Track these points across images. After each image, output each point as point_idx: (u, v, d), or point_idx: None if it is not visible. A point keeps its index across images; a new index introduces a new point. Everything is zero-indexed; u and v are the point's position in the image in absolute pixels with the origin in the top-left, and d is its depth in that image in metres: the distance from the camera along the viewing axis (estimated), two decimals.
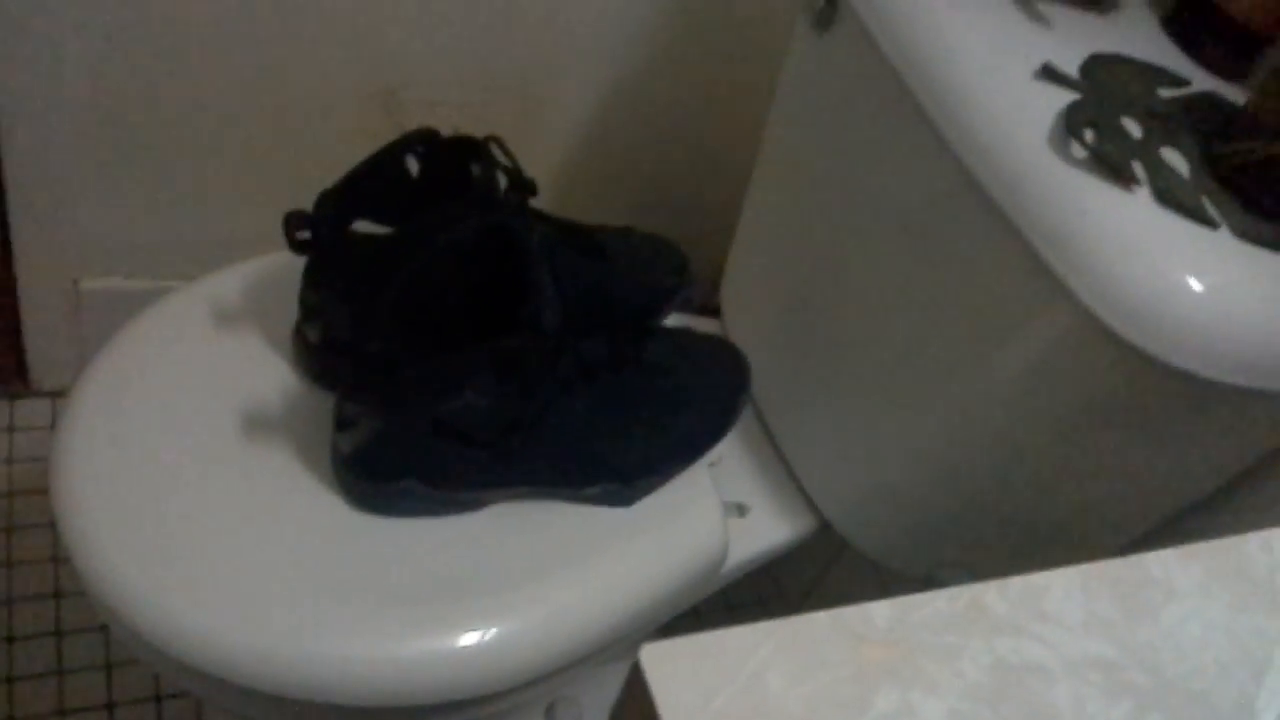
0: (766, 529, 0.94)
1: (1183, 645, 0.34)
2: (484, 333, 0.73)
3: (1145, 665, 0.33)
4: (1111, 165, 0.67)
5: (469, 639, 0.73)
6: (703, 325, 1.06)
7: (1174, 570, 0.37)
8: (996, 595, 0.33)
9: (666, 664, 0.28)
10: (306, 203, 0.86)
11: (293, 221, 0.74)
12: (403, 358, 0.72)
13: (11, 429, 1.22)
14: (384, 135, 1.15)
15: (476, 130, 1.17)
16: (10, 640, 1.07)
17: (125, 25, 0.99)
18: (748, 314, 1.02)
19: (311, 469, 0.78)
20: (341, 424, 0.75)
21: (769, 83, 0.98)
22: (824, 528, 0.96)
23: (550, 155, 1.25)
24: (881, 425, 0.86)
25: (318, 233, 0.75)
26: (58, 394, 1.25)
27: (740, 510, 0.94)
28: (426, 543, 0.77)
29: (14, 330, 1.19)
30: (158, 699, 1.07)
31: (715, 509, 0.86)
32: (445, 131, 0.80)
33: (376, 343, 0.75)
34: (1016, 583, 0.33)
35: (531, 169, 0.84)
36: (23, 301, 1.17)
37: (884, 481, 0.88)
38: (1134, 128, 0.71)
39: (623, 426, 0.82)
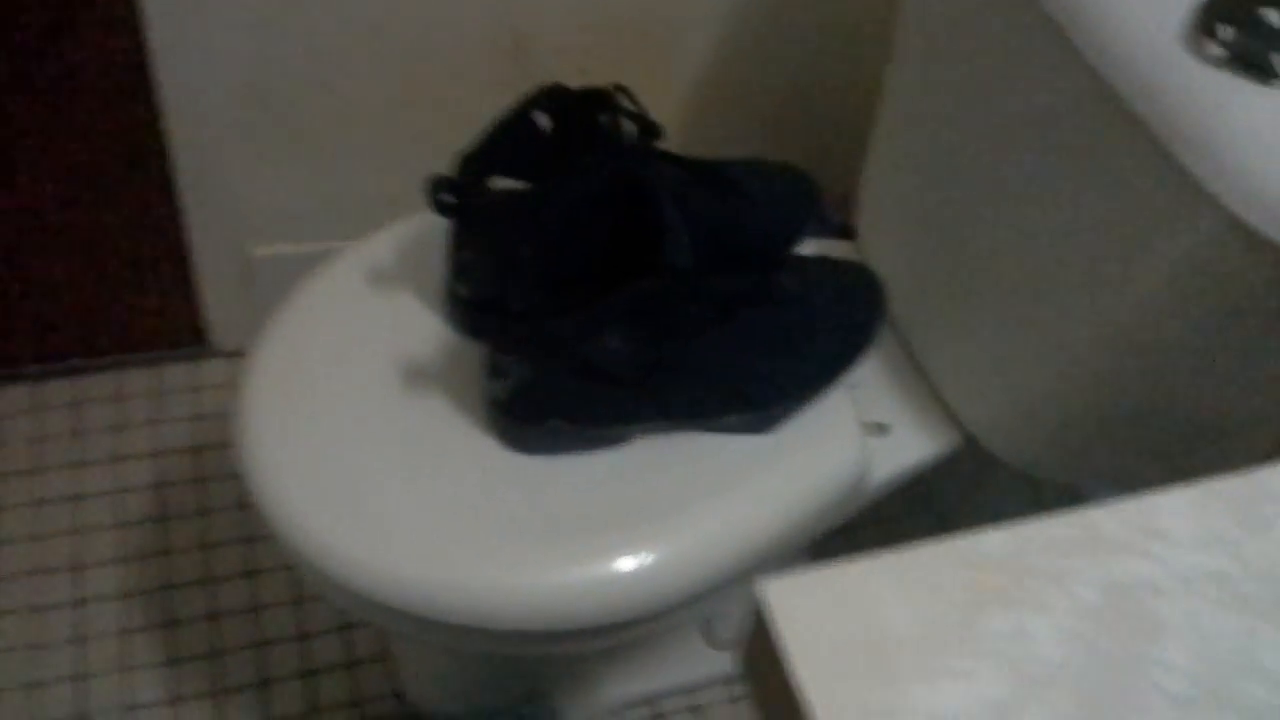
0: (910, 446, 0.96)
1: None
2: (623, 277, 0.76)
3: (1260, 577, 0.34)
4: (1250, 61, 0.66)
5: (623, 566, 0.78)
6: (839, 250, 1.07)
7: None
8: (1108, 516, 0.34)
9: (789, 597, 0.30)
10: (447, 157, 0.91)
11: (437, 185, 0.78)
12: (547, 308, 0.76)
13: (196, 389, 1.31)
14: (515, 84, 1.19)
15: (605, 73, 1.21)
16: (209, 581, 1.17)
17: (270, 11, 1.05)
18: (884, 234, 1.03)
19: (468, 415, 0.83)
20: (493, 373, 0.80)
21: (885, 12, 0.98)
22: (969, 442, 0.97)
23: (678, 93, 1.27)
24: (1023, 336, 0.86)
25: (460, 195, 0.79)
26: (235, 354, 1.33)
27: (882, 429, 0.95)
28: (578, 479, 0.81)
29: (192, 297, 1.28)
30: (344, 629, 1.15)
31: (853, 430, 0.88)
32: (573, 84, 0.83)
33: (522, 295, 0.79)
34: (1129, 503, 0.35)
35: (658, 109, 0.86)
36: (199, 271, 1.25)
37: (1027, 392, 0.88)
38: (1275, 17, 0.68)
39: (758, 356, 0.84)
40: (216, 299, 1.29)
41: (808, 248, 0.97)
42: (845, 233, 1.09)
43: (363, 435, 0.82)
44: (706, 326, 0.80)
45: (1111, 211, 0.74)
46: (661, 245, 0.74)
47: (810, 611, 0.31)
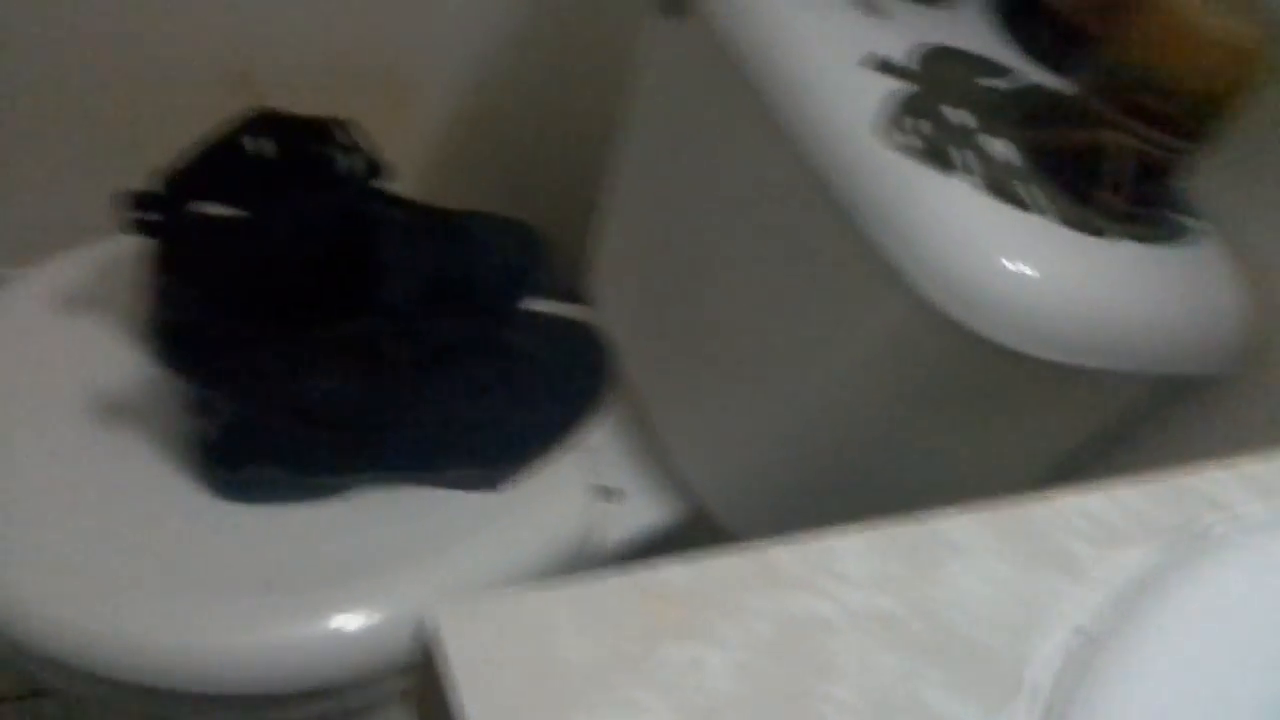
0: (643, 512, 0.96)
1: (966, 601, 0.37)
2: (337, 314, 0.73)
3: (927, 617, 0.35)
4: (933, 152, 0.70)
5: (328, 627, 0.74)
6: (569, 311, 1.07)
7: (963, 530, 0.39)
8: (788, 553, 0.35)
9: (461, 623, 0.29)
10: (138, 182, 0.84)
11: (138, 201, 0.73)
12: (255, 342, 0.72)
13: None
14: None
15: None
16: None
17: None
18: (616, 297, 1.04)
19: (169, 456, 0.78)
20: (199, 409, 0.75)
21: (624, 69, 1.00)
22: (701, 515, 0.98)
23: (410, 143, 1.25)
24: (743, 405, 0.88)
25: (169, 214, 0.75)
26: None
27: (615, 494, 0.95)
28: (291, 529, 0.77)
29: None
30: (22, 698, 1.04)
31: (581, 492, 0.87)
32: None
33: (229, 324, 0.74)
34: (808, 540, 0.35)
35: (391, 156, 0.84)
36: None
37: (747, 461, 0.90)
38: (962, 116, 0.74)
39: (486, 411, 0.82)
40: None
41: (536, 307, 0.96)
42: (573, 296, 1.10)
43: (49, 478, 0.75)
44: (424, 372, 0.78)
45: (813, 289, 0.77)
46: (377, 283, 0.72)
47: (483, 638, 0.29)
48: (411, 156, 1.25)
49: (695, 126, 0.87)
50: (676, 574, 0.33)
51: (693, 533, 1.00)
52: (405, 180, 1.23)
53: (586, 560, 0.90)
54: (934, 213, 0.68)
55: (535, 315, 0.92)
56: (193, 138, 1.10)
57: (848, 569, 0.35)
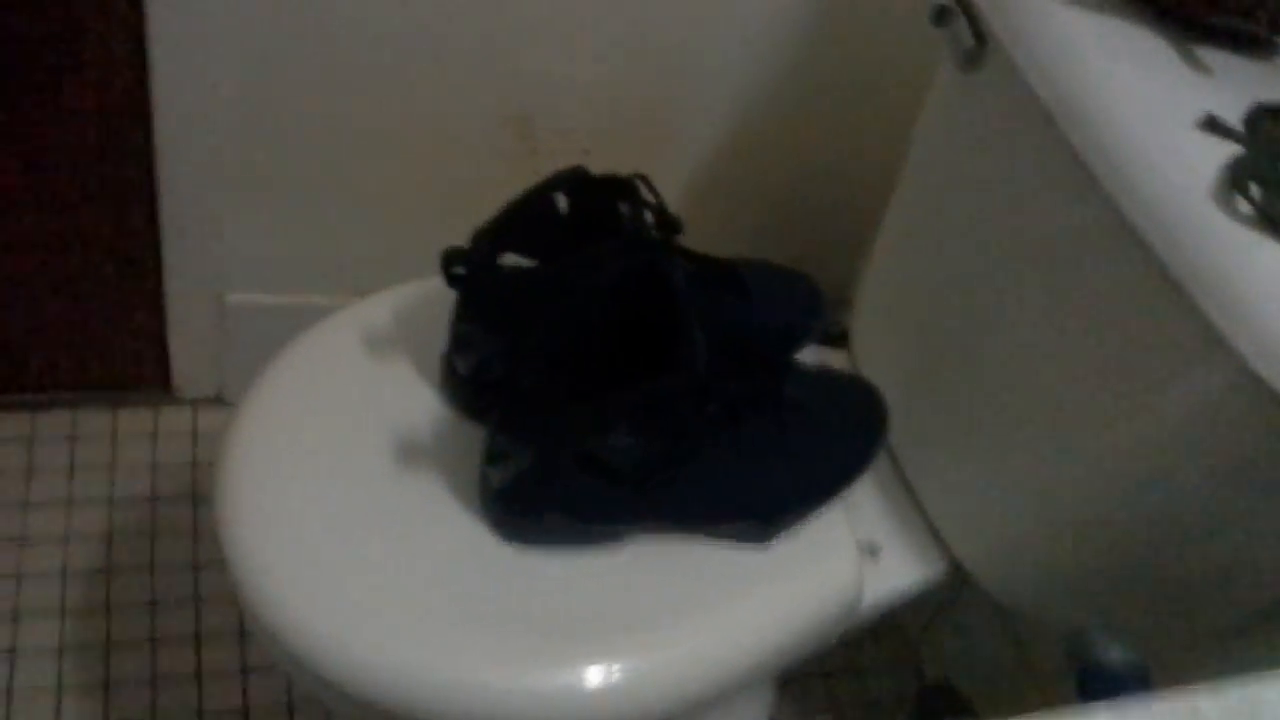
0: (899, 570, 0.94)
1: None
2: (630, 370, 0.74)
3: None
4: (1270, 218, 0.66)
5: (602, 675, 0.75)
6: (833, 359, 1.06)
7: None
8: (1210, 700, 0.32)
9: None
10: (441, 224, 0.88)
11: (451, 257, 0.76)
12: (552, 394, 0.74)
13: (155, 435, 1.26)
14: (516, 158, 1.18)
15: (607, 154, 1.20)
16: (153, 641, 1.11)
17: (276, 48, 1.03)
18: (881, 348, 1.02)
19: (459, 498, 0.80)
20: (491, 457, 0.77)
21: (904, 113, 0.98)
22: (955, 570, 0.95)
23: (679, 182, 1.26)
24: (1021, 469, 0.85)
25: (472, 268, 0.77)
26: (198, 402, 1.29)
27: (872, 550, 0.93)
28: (568, 576, 0.79)
29: (160, 342, 1.24)
30: (290, 710, 1.10)
31: (851, 551, 0.86)
32: (579, 163, 0.82)
33: (526, 378, 0.76)
34: (1233, 689, 0.33)
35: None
36: (169, 314, 1.21)
37: (1021, 527, 0.87)
38: None
39: (761, 465, 0.82)
40: (184, 344, 1.25)
41: (804, 354, 0.96)
42: (840, 339, 1.09)
43: (348, 513, 0.78)
44: (713, 431, 0.78)
45: (1122, 351, 0.74)
46: (678, 344, 0.72)
47: None
48: (678, 196, 1.27)
49: (985, 174, 0.85)
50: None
51: (947, 591, 0.98)
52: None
53: (848, 620, 0.89)
54: (1273, 283, 0.65)
55: (811, 369, 0.91)
56: (484, 181, 1.16)
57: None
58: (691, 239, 0.90)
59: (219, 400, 1.29)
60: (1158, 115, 0.72)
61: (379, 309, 0.90)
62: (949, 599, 1.21)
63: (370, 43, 1.05)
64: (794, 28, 1.15)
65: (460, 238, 0.79)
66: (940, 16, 0.86)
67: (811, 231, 1.35)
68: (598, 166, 1.19)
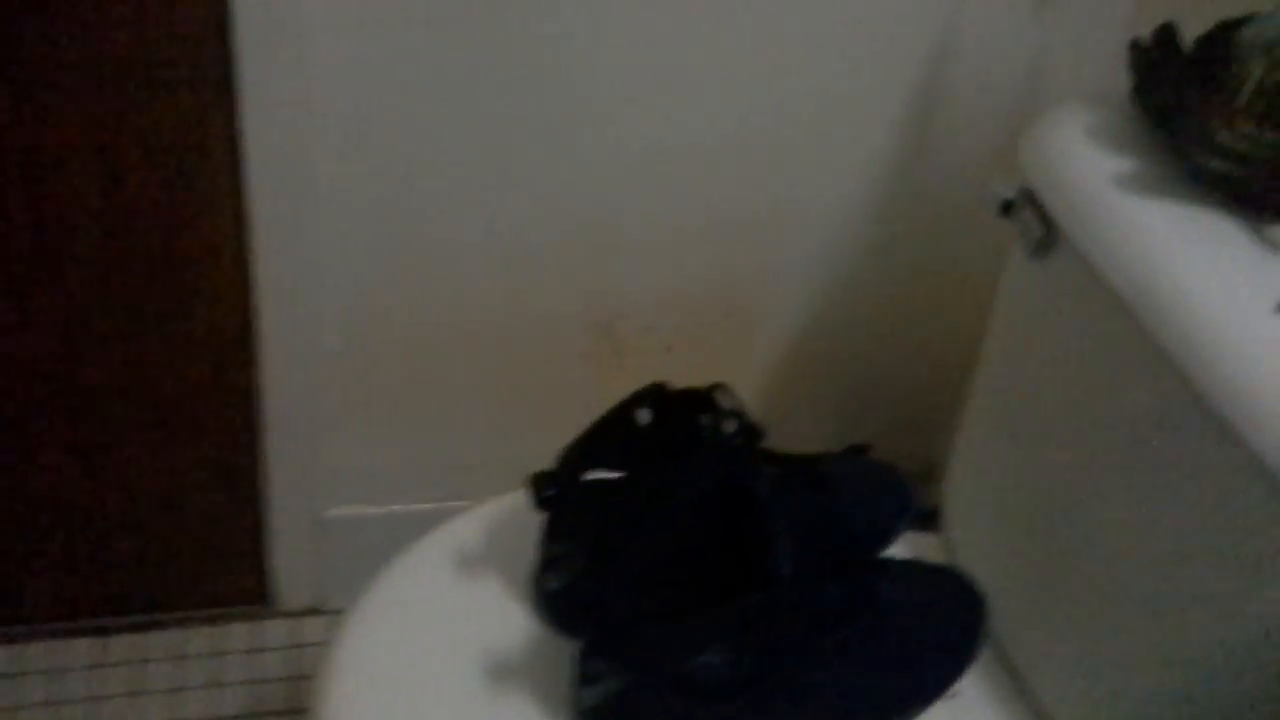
0: None
1: None
2: (721, 585, 0.73)
3: None
4: None
5: None
6: (924, 544, 1.04)
7: None
8: None
9: None
10: (533, 427, 0.90)
11: (540, 481, 0.77)
12: (642, 614, 0.74)
13: (256, 650, 1.28)
14: (603, 358, 1.21)
15: (689, 349, 1.22)
16: None
17: (377, 265, 1.09)
18: (975, 531, 1.00)
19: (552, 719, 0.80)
20: (584, 679, 0.77)
21: (975, 299, 0.99)
22: None
23: (762, 371, 1.28)
24: (1132, 656, 0.82)
25: (559, 488, 0.78)
26: (298, 614, 1.31)
27: None
28: None
29: (259, 556, 1.26)
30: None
31: None
32: (662, 364, 0.84)
33: (615, 597, 0.76)
34: None
35: (737, 379, 0.86)
36: (270, 530, 1.24)
37: (1139, 709, 0.84)
38: None
39: (858, 671, 0.80)
40: (283, 558, 1.27)
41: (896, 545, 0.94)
42: (930, 519, 1.07)
43: None
44: (808, 640, 0.77)
45: (1219, 536, 0.72)
46: (767, 556, 0.72)
47: None
48: (759, 383, 1.28)
49: (1064, 364, 0.84)
50: None
51: None
52: (747, 401, 1.27)
53: None
54: None
55: (902, 564, 0.90)
56: (573, 383, 1.19)
57: None
58: (774, 424, 0.90)
59: (315, 611, 1.31)
60: (1235, 299, 0.72)
61: (474, 525, 0.91)
62: None
63: (460, 254, 1.10)
64: (867, 214, 1.17)
65: (551, 441, 0.81)
66: (1007, 209, 0.87)
67: (895, 412, 1.35)
68: (681, 362, 1.22)
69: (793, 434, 1.33)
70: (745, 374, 1.26)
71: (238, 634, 1.29)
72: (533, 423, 1.20)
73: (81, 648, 1.25)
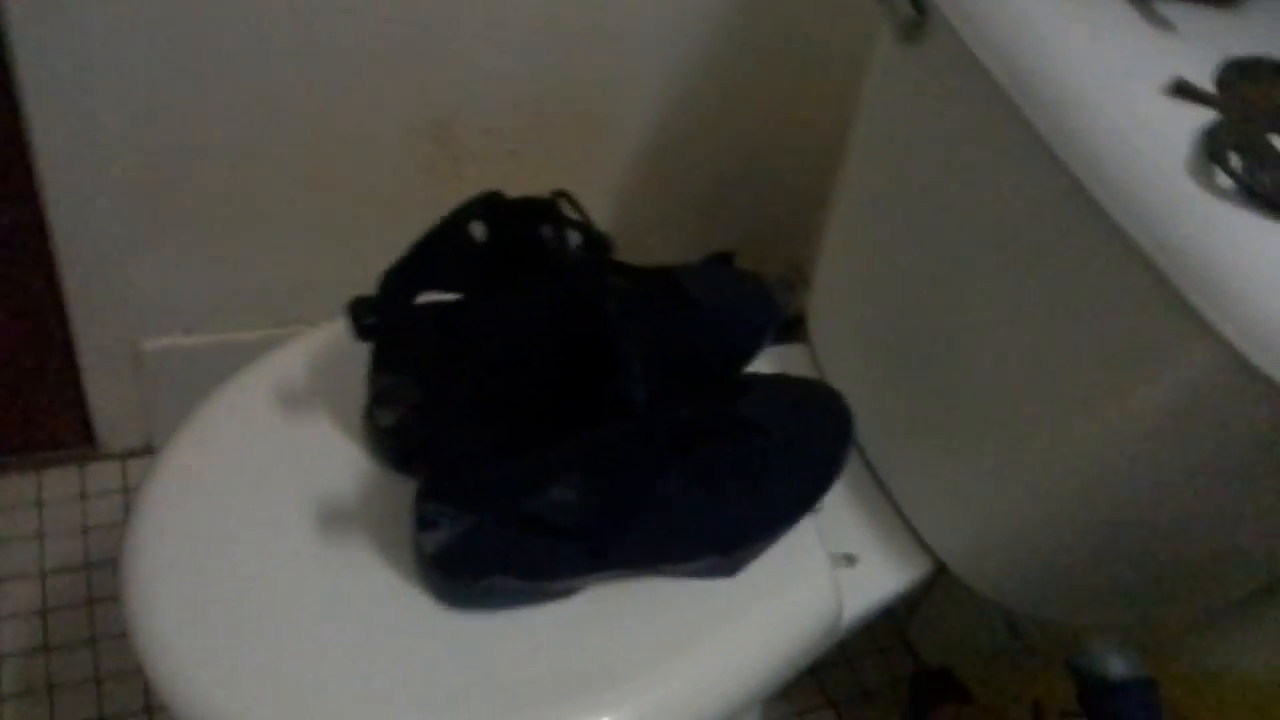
0: (879, 577, 0.88)
1: None
2: (569, 411, 0.67)
3: None
4: (1263, 196, 0.60)
5: None
6: (792, 357, 0.99)
7: None
8: None
9: None
10: (366, 244, 0.80)
11: (358, 308, 0.69)
12: (483, 450, 0.67)
13: (84, 496, 1.19)
14: (437, 167, 1.10)
15: (535, 153, 1.13)
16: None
17: (161, 76, 0.95)
18: (841, 336, 0.96)
19: (392, 562, 0.73)
20: (423, 523, 0.70)
21: (839, 89, 0.91)
22: (940, 568, 0.90)
23: (616, 173, 1.19)
24: (998, 462, 0.79)
25: (384, 315, 0.70)
26: (125, 455, 1.22)
27: (849, 561, 0.87)
28: (523, 636, 0.72)
29: (77, 395, 1.16)
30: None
31: (825, 568, 0.80)
32: (502, 166, 0.75)
33: (454, 433, 0.69)
34: None
35: (590, 188, 0.78)
36: (84, 365, 1.13)
37: (998, 522, 0.82)
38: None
39: (720, 495, 0.76)
40: (103, 395, 1.17)
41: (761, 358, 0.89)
42: (796, 324, 1.02)
43: (270, 583, 0.71)
44: (665, 468, 0.71)
45: (1096, 336, 0.68)
46: (614, 380, 0.65)
47: None
48: (609, 188, 1.20)
49: (936, 156, 0.78)
50: None
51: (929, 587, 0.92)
52: (604, 210, 1.19)
53: (831, 637, 0.83)
54: (1257, 261, 0.59)
55: (766, 379, 0.84)
56: (403, 193, 1.08)
57: None
58: (632, 235, 0.83)
59: (149, 451, 1.22)
60: (1120, 83, 0.66)
61: (291, 360, 0.82)
62: (937, 586, 1.16)
63: (264, 61, 0.97)
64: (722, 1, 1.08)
65: (390, 256, 0.72)
66: None
67: (759, 214, 1.28)
68: (525, 171, 1.13)
69: (654, 246, 1.26)
70: (598, 182, 1.18)
71: (62, 479, 1.19)
72: (368, 242, 1.10)
73: None
